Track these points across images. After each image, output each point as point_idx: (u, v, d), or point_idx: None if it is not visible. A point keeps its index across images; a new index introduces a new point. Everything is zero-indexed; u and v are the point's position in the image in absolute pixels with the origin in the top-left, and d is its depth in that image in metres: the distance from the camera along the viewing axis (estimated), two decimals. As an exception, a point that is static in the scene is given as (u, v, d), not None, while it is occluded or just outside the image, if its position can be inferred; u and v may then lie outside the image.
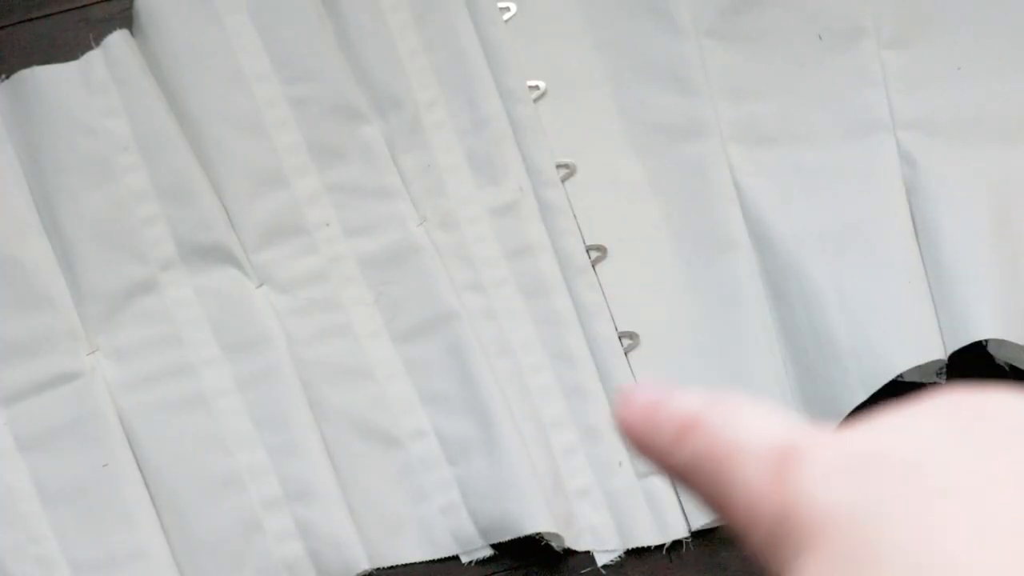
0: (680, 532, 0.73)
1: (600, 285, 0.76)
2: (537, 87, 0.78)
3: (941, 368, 0.73)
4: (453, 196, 0.77)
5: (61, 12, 0.80)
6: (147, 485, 0.72)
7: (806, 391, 0.73)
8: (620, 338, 0.75)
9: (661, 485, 0.73)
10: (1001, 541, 0.18)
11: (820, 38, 0.77)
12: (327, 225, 0.76)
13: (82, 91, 0.75)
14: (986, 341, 0.72)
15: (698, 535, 0.73)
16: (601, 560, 0.73)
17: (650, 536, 0.73)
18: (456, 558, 0.73)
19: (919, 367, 0.71)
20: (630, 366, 0.75)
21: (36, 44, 0.79)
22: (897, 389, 0.72)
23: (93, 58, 0.76)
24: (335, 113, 0.76)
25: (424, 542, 0.73)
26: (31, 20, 0.80)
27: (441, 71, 0.78)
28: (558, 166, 0.77)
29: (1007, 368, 0.74)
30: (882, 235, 0.73)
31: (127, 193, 0.74)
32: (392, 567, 0.73)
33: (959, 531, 0.19)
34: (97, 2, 0.80)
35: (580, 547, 0.73)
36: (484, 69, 0.77)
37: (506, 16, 0.79)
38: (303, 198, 0.76)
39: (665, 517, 0.73)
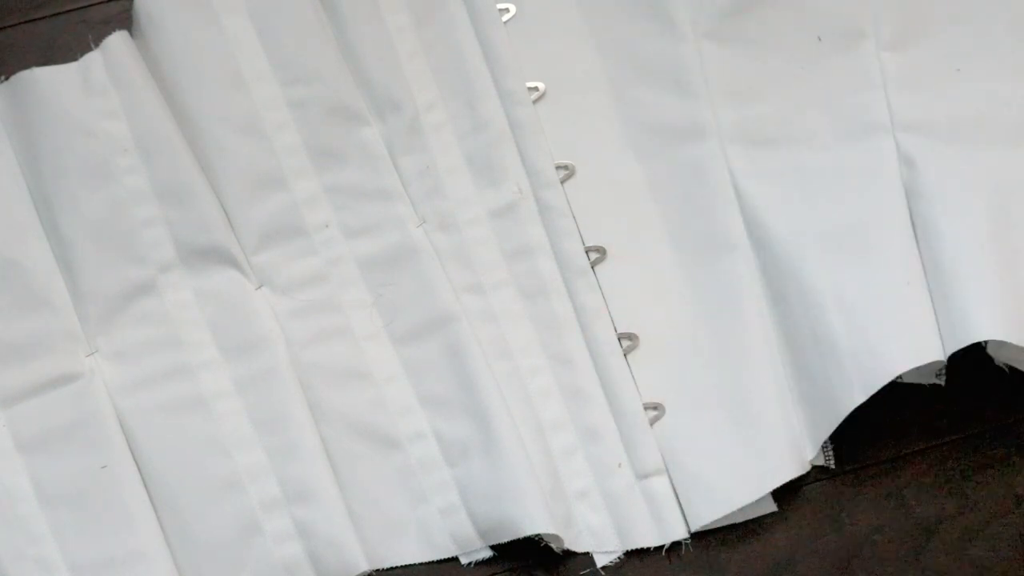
0: (679, 533, 0.73)
1: (599, 286, 0.76)
2: (536, 88, 0.78)
3: (940, 369, 0.73)
4: (452, 198, 0.77)
5: (60, 13, 0.80)
6: (146, 487, 0.72)
7: (805, 392, 0.73)
8: (619, 339, 0.75)
9: (660, 486, 0.73)
10: None
11: (819, 40, 0.77)
12: (326, 227, 0.76)
13: (81, 93, 0.75)
14: (985, 342, 0.72)
15: (697, 536, 0.73)
16: (600, 561, 0.73)
17: (649, 537, 0.73)
18: (456, 559, 0.73)
19: (918, 368, 0.71)
20: (629, 367, 0.75)
21: (35, 45, 0.79)
22: (896, 391, 0.72)
23: (92, 60, 0.76)
24: (334, 115, 0.76)
25: (423, 543, 0.73)
26: (31, 21, 0.80)
27: (440, 73, 0.78)
28: (557, 167, 0.77)
29: (1006, 369, 0.74)
30: (881, 236, 0.73)
31: (126, 195, 0.74)
32: (391, 568, 0.73)
33: None
34: (96, 4, 0.80)
35: (579, 548, 0.73)
36: (483, 71, 0.77)
37: (505, 18, 0.79)
38: (302, 200, 0.76)
39: (664, 518, 0.73)
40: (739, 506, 0.72)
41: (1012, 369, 0.74)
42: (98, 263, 0.74)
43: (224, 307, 0.74)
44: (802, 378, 0.73)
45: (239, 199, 0.75)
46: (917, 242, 0.73)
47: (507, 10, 0.79)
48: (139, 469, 0.72)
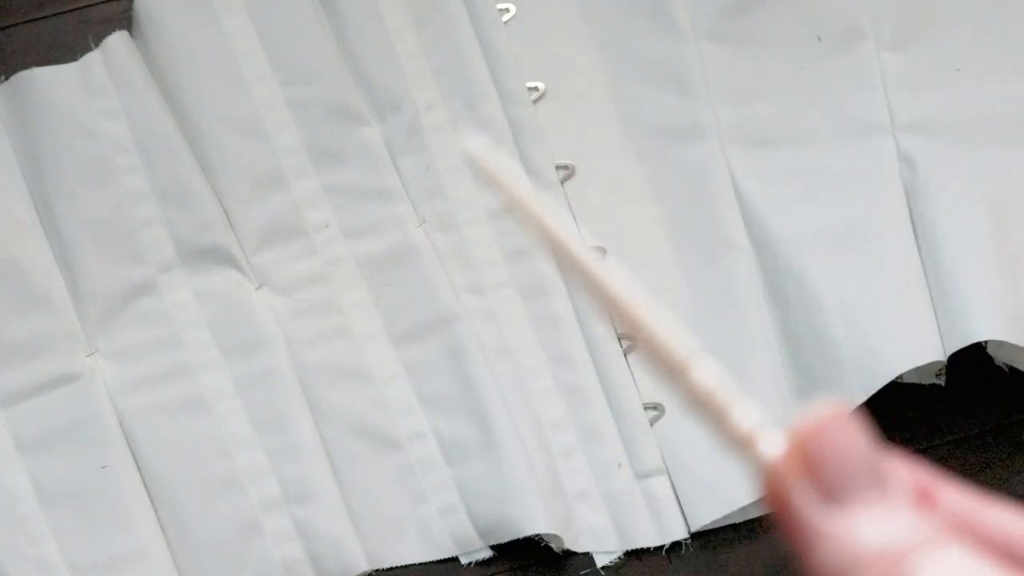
0: (679, 533, 0.73)
1: (599, 286, 0.76)
2: (536, 88, 0.78)
3: (940, 370, 0.73)
4: (452, 198, 0.76)
5: (60, 13, 0.80)
6: (146, 487, 0.72)
7: (804, 393, 0.73)
8: (619, 339, 0.75)
9: (660, 486, 0.73)
10: None
11: (819, 40, 0.77)
12: (326, 227, 0.76)
13: (81, 93, 0.75)
14: (985, 342, 0.72)
15: (697, 536, 0.73)
16: (600, 561, 0.73)
17: (649, 537, 0.73)
18: (456, 559, 0.73)
19: (918, 369, 0.71)
20: (630, 367, 0.75)
21: (35, 45, 0.79)
22: (896, 391, 0.72)
23: (92, 60, 0.76)
24: (334, 115, 0.76)
25: (423, 543, 0.73)
26: (31, 21, 0.80)
27: (440, 73, 0.78)
28: (557, 167, 0.77)
29: (1006, 370, 0.74)
30: (881, 237, 0.73)
31: (126, 195, 0.74)
32: (391, 568, 0.73)
33: None
34: (96, 3, 0.80)
35: (579, 548, 0.73)
36: (483, 70, 0.77)
37: (505, 17, 0.79)
38: (302, 200, 0.76)
39: (664, 518, 0.73)
40: (739, 506, 0.72)
41: (1012, 369, 0.74)
42: (98, 263, 0.74)
43: (224, 307, 0.74)
44: (802, 378, 0.73)
45: (239, 199, 0.75)
46: (917, 242, 0.73)
47: (507, 10, 0.79)
48: (139, 469, 0.72)
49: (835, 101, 0.76)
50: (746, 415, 0.27)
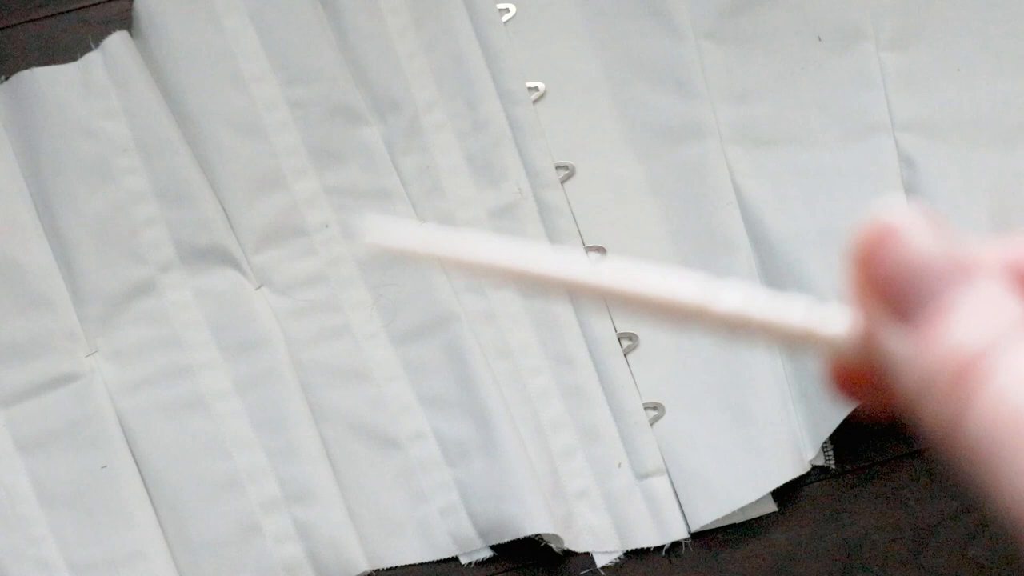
0: (679, 533, 0.73)
1: (599, 286, 0.76)
2: (536, 88, 0.78)
3: (940, 369, 0.73)
4: (452, 198, 0.77)
5: (60, 13, 0.80)
6: (146, 487, 0.72)
7: (805, 392, 0.73)
8: (619, 339, 0.75)
9: (660, 486, 0.73)
10: None
11: (819, 40, 0.77)
12: (326, 227, 0.76)
13: (81, 93, 0.75)
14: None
15: (697, 536, 0.73)
16: (600, 561, 0.73)
17: (649, 537, 0.73)
18: (456, 559, 0.73)
19: (918, 368, 0.71)
20: (629, 367, 0.75)
21: (35, 45, 0.79)
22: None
23: (92, 60, 0.76)
24: (334, 115, 0.76)
25: (423, 544, 0.73)
26: (30, 21, 0.80)
27: (440, 73, 0.78)
28: (557, 167, 0.77)
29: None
30: (881, 236, 0.73)
31: (126, 195, 0.74)
32: (391, 568, 0.73)
33: None
34: (96, 3, 0.80)
35: (579, 548, 0.73)
36: (483, 71, 0.77)
37: (505, 18, 0.79)
38: (302, 200, 0.76)
39: (664, 518, 0.73)
40: (739, 506, 0.72)
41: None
42: (98, 263, 0.74)
43: (224, 307, 0.74)
44: (802, 377, 0.73)
45: (239, 199, 0.75)
46: (917, 242, 0.73)
47: (507, 10, 0.79)
48: (139, 469, 0.72)
49: (835, 101, 0.76)
50: (791, 313, 0.24)
